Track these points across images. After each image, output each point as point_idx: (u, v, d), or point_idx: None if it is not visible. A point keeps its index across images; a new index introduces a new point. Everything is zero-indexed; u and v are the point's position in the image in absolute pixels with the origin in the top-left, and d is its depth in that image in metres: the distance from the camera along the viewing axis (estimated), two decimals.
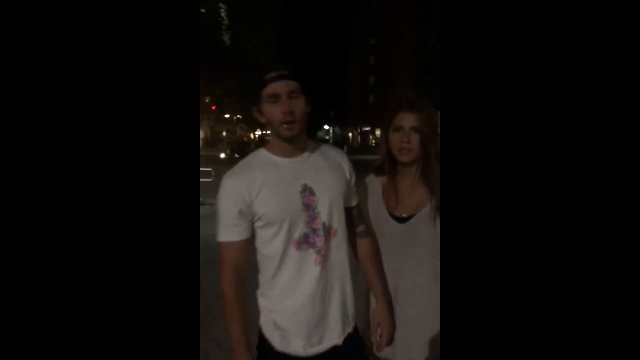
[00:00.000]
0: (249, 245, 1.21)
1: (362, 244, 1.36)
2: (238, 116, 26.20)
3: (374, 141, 48.66)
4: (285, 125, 1.16)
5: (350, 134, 55.19)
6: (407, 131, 1.29)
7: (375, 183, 1.45)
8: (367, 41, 50.55)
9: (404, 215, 1.34)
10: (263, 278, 1.26)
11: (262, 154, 1.26)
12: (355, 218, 1.35)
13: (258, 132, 36.51)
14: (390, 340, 1.35)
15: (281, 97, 1.15)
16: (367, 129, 52.25)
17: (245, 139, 31.16)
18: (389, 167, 1.38)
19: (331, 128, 57.79)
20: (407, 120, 1.30)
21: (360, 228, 1.35)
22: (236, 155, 25.00)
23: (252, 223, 1.20)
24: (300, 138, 1.23)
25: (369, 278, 1.37)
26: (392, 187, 1.38)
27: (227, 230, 1.17)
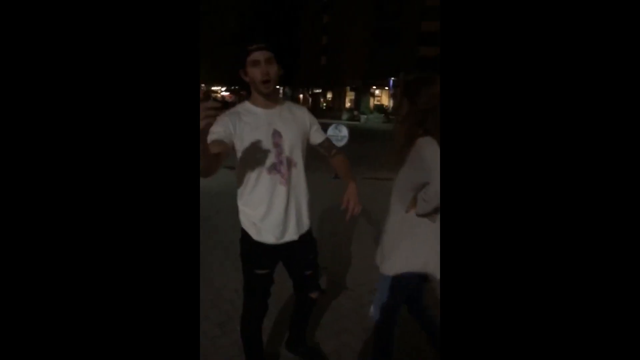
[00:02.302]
0: (223, 151, 1.57)
1: (337, 159, 1.90)
2: None
3: (324, 104, 48.28)
4: (263, 84, 1.60)
5: (301, 95, 54.28)
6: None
7: None
8: None
9: None
10: (244, 191, 1.74)
11: (247, 105, 1.71)
12: (326, 148, 1.88)
13: None
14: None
15: (261, 63, 1.57)
16: (318, 91, 51.66)
17: None
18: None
19: (281, 88, 56.61)
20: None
21: (333, 151, 1.90)
22: None
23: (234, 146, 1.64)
24: (274, 95, 1.67)
25: (343, 176, 1.85)
26: None
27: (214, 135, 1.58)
